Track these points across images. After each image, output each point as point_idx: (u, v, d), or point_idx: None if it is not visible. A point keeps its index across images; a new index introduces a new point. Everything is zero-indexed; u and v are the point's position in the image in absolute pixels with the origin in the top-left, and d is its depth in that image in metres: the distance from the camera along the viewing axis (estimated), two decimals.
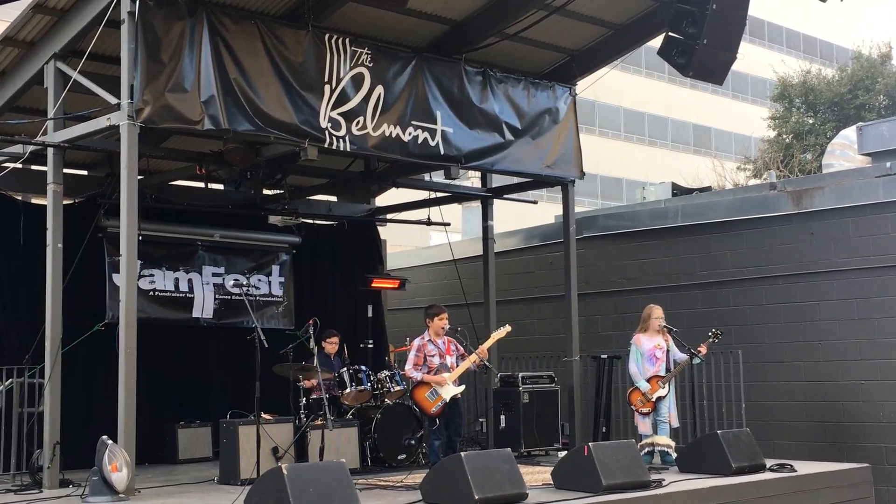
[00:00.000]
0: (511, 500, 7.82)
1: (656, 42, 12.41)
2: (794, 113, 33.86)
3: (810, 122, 33.24)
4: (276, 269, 13.87)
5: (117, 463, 8.45)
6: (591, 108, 41.06)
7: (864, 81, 32.98)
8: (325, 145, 10.41)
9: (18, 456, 10.00)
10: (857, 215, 12.50)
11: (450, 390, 10.22)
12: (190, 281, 12.98)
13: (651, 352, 10.83)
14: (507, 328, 10.64)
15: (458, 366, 10.45)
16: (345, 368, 11.37)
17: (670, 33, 11.73)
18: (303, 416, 10.59)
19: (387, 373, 11.63)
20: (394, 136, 10.97)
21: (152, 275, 12.62)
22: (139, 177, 9.45)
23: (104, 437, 8.65)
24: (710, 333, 10.99)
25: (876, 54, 34.82)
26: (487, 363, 10.67)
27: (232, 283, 13.06)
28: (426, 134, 11.27)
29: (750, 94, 48.92)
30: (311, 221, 14.69)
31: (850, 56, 36.76)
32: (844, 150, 15.82)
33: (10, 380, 10.19)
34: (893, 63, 34.61)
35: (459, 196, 14.84)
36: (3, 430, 10.11)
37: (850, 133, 16.07)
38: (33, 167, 11.25)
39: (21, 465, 9.90)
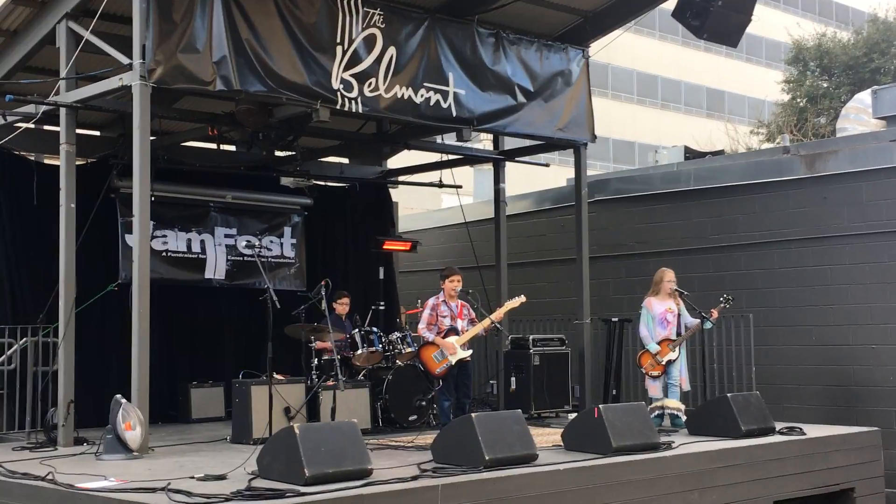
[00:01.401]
0: (521, 461, 7.87)
1: (670, 4, 12.31)
2: (808, 76, 33.61)
3: (825, 85, 33.00)
4: (287, 230, 13.89)
5: (131, 421, 8.52)
6: (603, 70, 40.82)
7: (880, 45, 32.69)
8: (337, 107, 10.38)
9: (33, 414, 10.10)
10: (871, 179, 12.43)
11: (457, 354, 10.27)
12: (202, 242, 13.02)
13: (662, 315, 10.84)
14: (522, 299, 10.64)
15: (468, 330, 10.48)
16: (356, 330, 11.42)
17: None
18: (314, 376, 10.65)
19: (398, 334, 11.68)
20: (406, 97, 10.93)
21: (165, 235, 12.66)
22: (151, 138, 9.45)
23: (118, 395, 8.72)
24: (721, 299, 10.99)
25: (892, 17, 34.47)
26: (499, 325, 10.70)
27: (244, 244, 13.02)
28: (438, 96, 11.22)
29: (764, 57, 48.53)
30: (322, 183, 14.68)
31: (865, 19, 36.45)
32: (859, 114, 15.72)
33: (25, 339, 10.27)
34: None
35: (471, 159, 14.80)
36: (18, 389, 10.20)
37: (864, 97, 15.95)
38: (46, 127, 11.25)
39: (36, 423, 10.00)
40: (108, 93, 9.64)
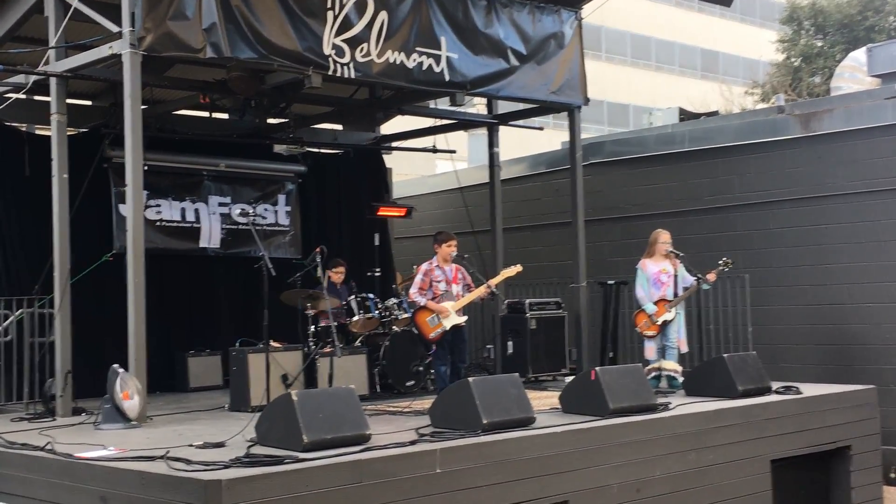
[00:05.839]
0: (519, 424, 7.89)
1: None
2: (802, 36, 33.46)
3: (819, 44, 32.87)
4: (282, 198, 13.85)
5: (129, 391, 8.53)
6: (597, 32, 40.60)
7: (875, 2, 32.52)
8: (330, 73, 10.31)
9: (31, 385, 10.11)
10: (866, 138, 12.41)
11: (451, 319, 10.24)
12: (196, 211, 12.98)
13: (656, 276, 10.84)
14: (518, 268, 10.61)
15: (463, 295, 10.47)
16: (352, 296, 11.42)
17: None
18: (311, 343, 10.67)
19: (394, 300, 11.69)
20: (398, 62, 10.85)
21: (158, 205, 12.62)
22: (143, 106, 9.39)
23: (115, 365, 8.72)
24: (720, 262, 10.91)
25: None
26: (495, 290, 10.69)
27: (238, 212, 13.05)
28: (431, 60, 11.15)
29: (758, 17, 48.29)
30: (316, 150, 14.63)
31: None
32: (854, 73, 15.67)
33: (21, 310, 10.26)
34: None
35: (465, 123, 14.75)
36: (15, 360, 10.20)
37: (859, 55, 15.91)
38: (36, 97, 11.19)
39: (34, 394, 10.01)
40: (98, 61, 9.56)
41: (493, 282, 10.48)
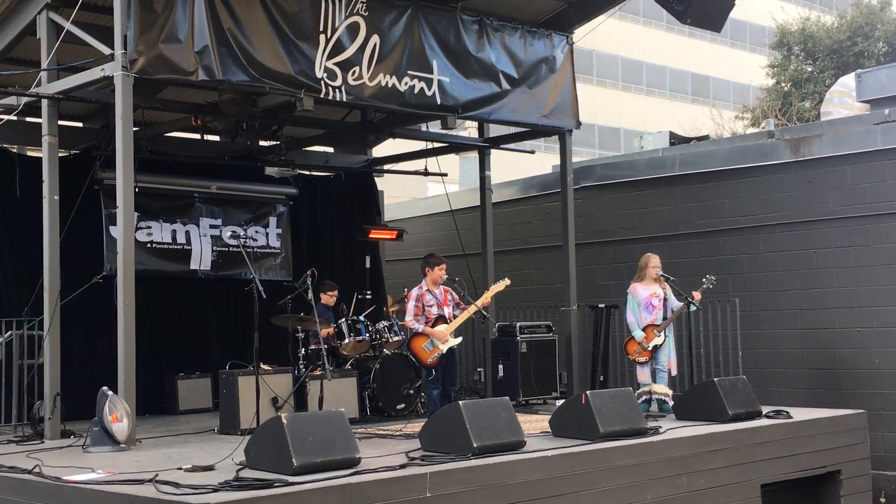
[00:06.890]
0: (509, 448, 7.87)
1: None
2: (792, 61, 33.61)
3: (809, 69, 33.02)
4: (273, 220, 13.85)
5: (118, 413, 8.50)
6: (588, 57, 40.79)
7: (864, 28, 32.71)
8: (321, 96, 10.35)
9: (20, 407, 10.06)
10: (855, 163, 12.47)
11: (448, 342, 10.26)
12: (187, 233, 12.97)
13: (647, 300, 10.85)
14: (507, 281, 10.64)
15: (455, 316, 10.47)
16: (343, 319, 11.41)
17: None
18: (302, 366, 10.64)
19: (385, 323, 11.68)
20: (390, 85, 10.90)
21: (149, 227, 12.60)
22: (134, 128, 9.40)
23: (104, 388, 8.69)
24: (703, 280, 11.00)
25: (875, 0, 34.52)
26: (486, 312, 10.70)
27: (229, 234, 13.04)
28: (422, 84, 11.19)
29: (748, 42, 48.57)
30: (307, 173, 14.65)
31: (849, 2, 36.45)
32: (843, 98, 15.75)
33: (10, 332, 10.22)
34: (893, 9, 34.29)
35: (456, 146, 14.78)
36: (3, 382, 10.16)
37: (848, 80, 15.98)
38: (28, 119, 11.20)
39: (22, 417, 9.97)
40: (90, 83, 9.58)
41: (482, 301, 10.48)
